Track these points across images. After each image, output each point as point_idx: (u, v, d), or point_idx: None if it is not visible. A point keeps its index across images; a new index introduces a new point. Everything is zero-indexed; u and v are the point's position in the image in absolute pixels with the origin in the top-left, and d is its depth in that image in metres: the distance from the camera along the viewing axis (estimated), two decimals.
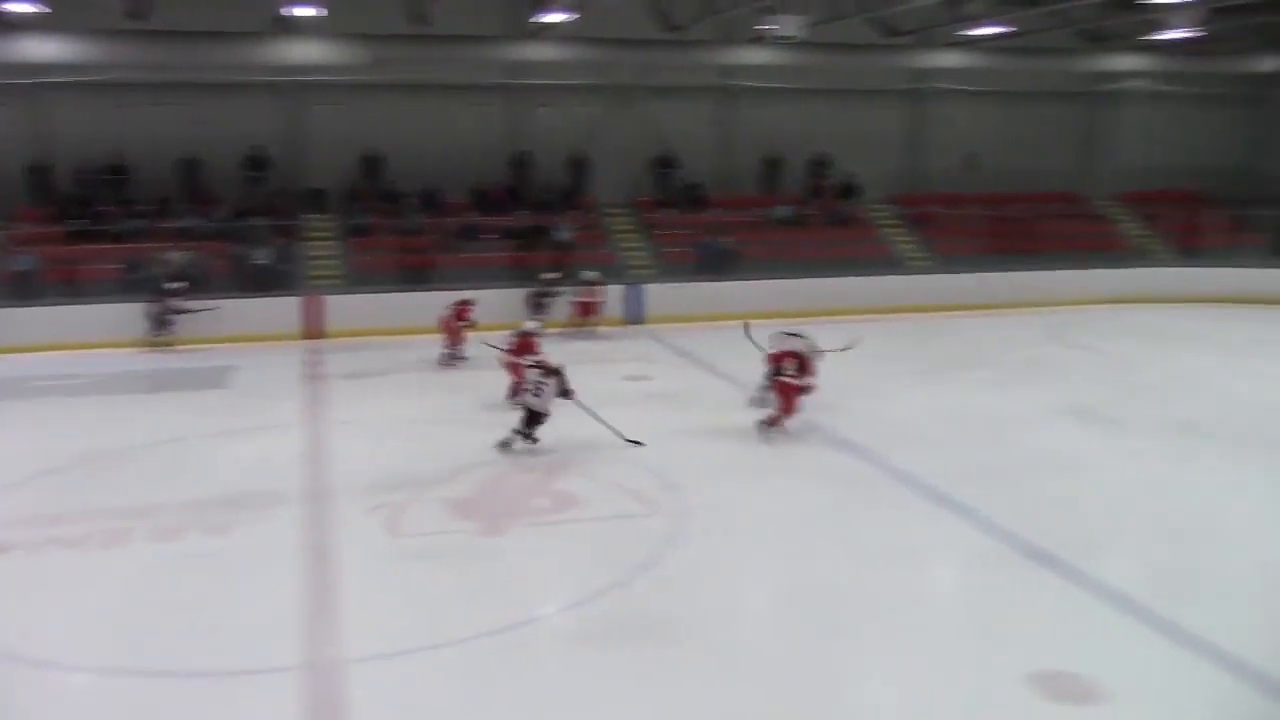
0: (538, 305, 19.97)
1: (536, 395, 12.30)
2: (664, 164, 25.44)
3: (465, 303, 17.84)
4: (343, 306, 20.13)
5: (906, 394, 15.54)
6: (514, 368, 14.16)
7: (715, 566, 9.17)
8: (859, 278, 22.86)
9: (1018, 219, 25.78)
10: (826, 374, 13.98)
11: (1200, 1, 20.14)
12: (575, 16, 20.58)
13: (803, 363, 13.06)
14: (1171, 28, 22.15)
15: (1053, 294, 23.69)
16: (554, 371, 12.44)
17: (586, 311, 20.73)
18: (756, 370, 14.03)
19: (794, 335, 13.79)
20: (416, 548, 9.52)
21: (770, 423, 12.98)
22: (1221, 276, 24.38)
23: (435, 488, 11.09)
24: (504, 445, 12.34)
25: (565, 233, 22.83)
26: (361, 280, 21.10)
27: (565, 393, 12.46)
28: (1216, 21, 22.30)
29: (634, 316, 21.27)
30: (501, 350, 14.52)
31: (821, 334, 14.25)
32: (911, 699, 7.05)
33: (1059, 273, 24.15)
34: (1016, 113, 27.77)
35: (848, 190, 26.06)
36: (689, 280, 22.37)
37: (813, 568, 9.17)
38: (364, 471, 11.66)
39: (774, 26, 20.32)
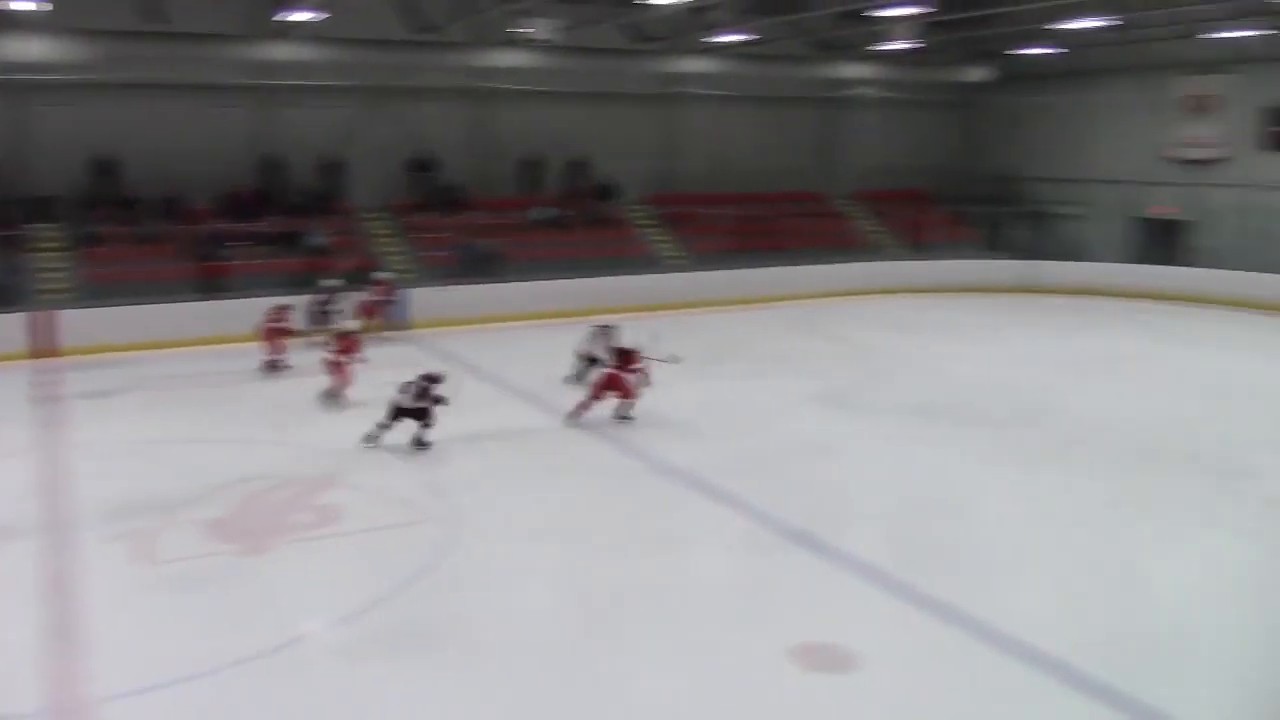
0: (321, 315, 19.03)
1: (402, 393, 12.54)
2: (421, 166, 25.09)
3: (284, 308, 17.35)
4: (78, 321, 18.66)
5: (668, 388, 16.01)
6: (338, 367, 14.70)
7: (488, 569, 9.24)
8: (619, 277, 23.37)
9: (764, 217, 27.12)
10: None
11: (916, 16, 21.84)
12: (323, 16, 19.98)
13: (627, 355, 14.10)
14: (893, 39, 23.98)
15: (799, 288, 25.09)
16: (433, 378, 12.68)
17: (373, 313, 20.13)
18: (525, 373, 14.21)
19: (608, 327, 15.10)
20: (170, 575, 9.03)
21: (620, 414, 13.92)
22: (945, 268, 26.60)
23: (188, 510, 10.54)
24: (369, 439, 12.63)
25: (320, 238, 22.11)
26: (98, 293, 19.61)
27: (437, 399, 12.60)
28: (931, 35, 24.28)
29: (397, 321, 20.89)
30: (329, 351, 14.94)
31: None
32: (679, 682, 7.38)
33: (803, 268, 25.59)
34: (761, 117, 29.18)
35: (606, 191, 26.59)
36: (451, 283, 22.19)
37: (584, 563, 9.40)
38: (107, 497, 10.92)
39: (528, 30, 20.49)
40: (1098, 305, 24.41)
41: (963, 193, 30.19)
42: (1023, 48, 27.17)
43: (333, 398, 14.85)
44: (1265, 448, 13.17)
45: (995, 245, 28.54)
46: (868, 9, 21.79)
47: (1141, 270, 26.05)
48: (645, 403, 14.56)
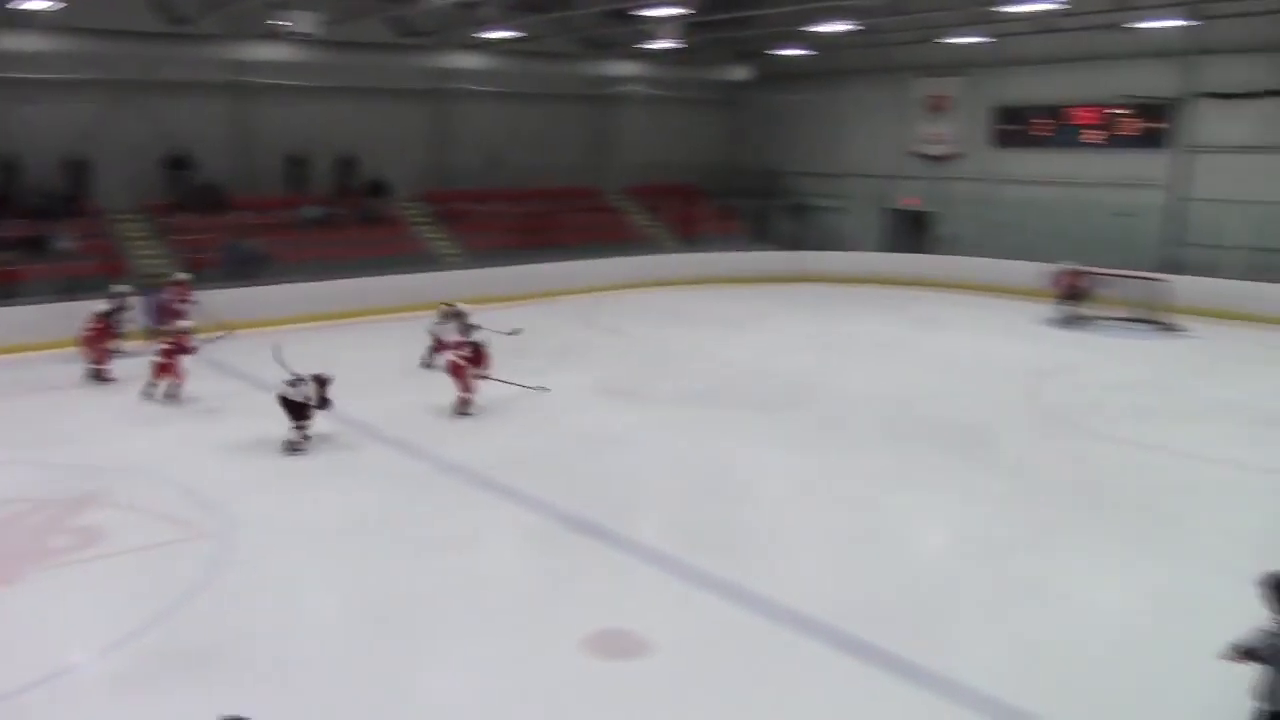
0: (116, 321, 17.57)
1: (293, 386, 12.36)
2: (176, 164, 23.69)
3: (106, 314, 16.39)
4: None
5: (450, 387, 15.91)
6: (168, 368, 14.66)
7: (266, 582, 8.92)
8: (395, 276, 22.93)
9: (540, 213, 27.28)
10: (356, 373, 14.19)
11: (678, 17, 22.51)
12: (61, 5, 18.51)
13: (474, 349, 14.42)
14: (658, 38, 24.61)
15: (577, 282, 25.38)
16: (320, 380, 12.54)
17: (172, 316, 18.88)
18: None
19: (456, 312, 15.59)
20: None
21: (460, 405, 14.09)
22: (716, 260, 27.61)
23: None
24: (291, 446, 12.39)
25: (66, 241, 20.55)
26: None
27: (324, 401, 12.51)
28: (693, 35, 25.10)
29: (155, 327, 19.69)
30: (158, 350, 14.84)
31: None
32: (474, 681, 7.41)
33: (581, 262, 25.91)
34: (534, 113, 29.28)
35: (377, 188, 26.00)
36: (216, 286, 21.13)
37: (366, 569, 9.23)
38: None
39: (287, 23, 19.74)
40: (858, 292, 25.97)
41: (730, 187, 31.39)
42: (779, 48, 28.51)
43: (171, 397, 14.71)
44: (1005, 419, 14.45)
45: (762, 237, 29.86)
46: (631, 9, 22.27)
47: (895, 258, 27.93)
48: (423, 401, 14.46)
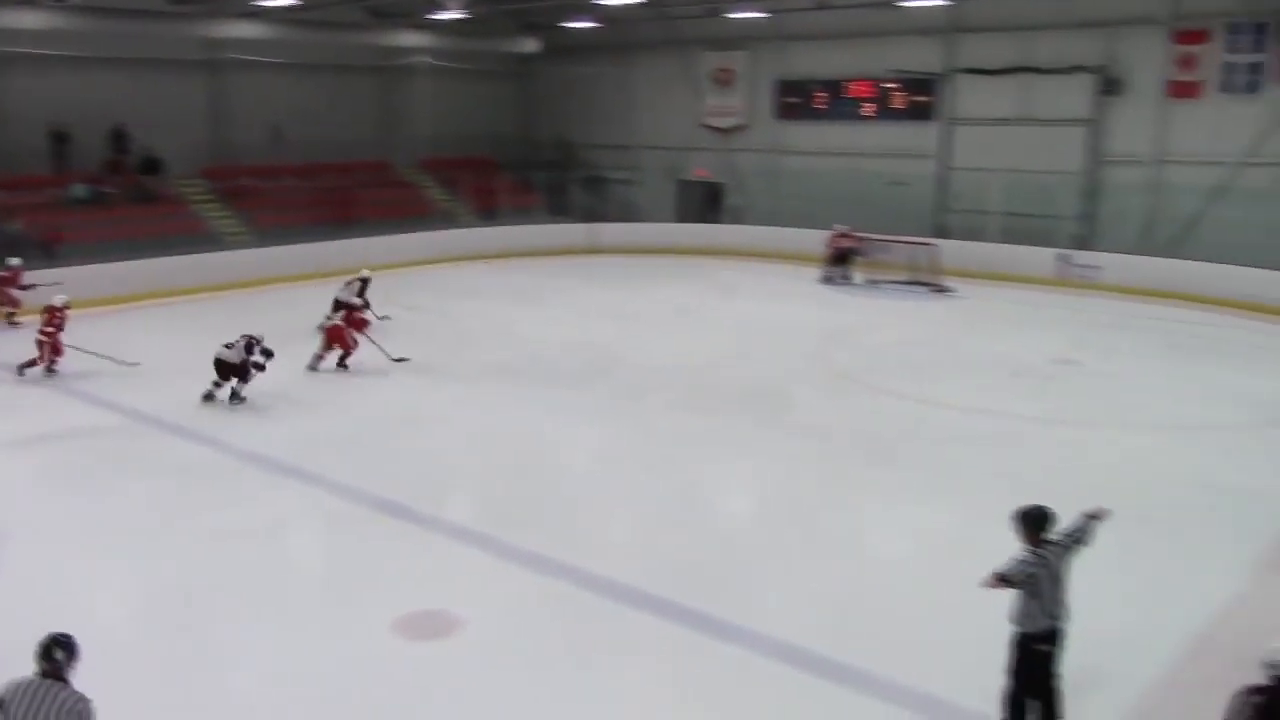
0: None
1: (228, 348, 13.43)
2: None
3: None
4: None
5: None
6: (53, 343, 14.81)
7: (46, 588, 8.33)
8: (175, 257, 21.72)
9: (331, 188, 26.44)
10: (140, 358, 13.53)
11: None
12: None
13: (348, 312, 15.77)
14: (445, 9, 24.22)
15: (373, 259, 24.63)
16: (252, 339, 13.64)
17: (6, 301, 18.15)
18: (83, 367, 12.99)
19: (365, 279, 17.22)
20: None
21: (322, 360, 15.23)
22: (514, 233, 27.53)
23: None
24: (207, 397, 13.49)
25: None
26: None
27: (266, 352, 13.58)
28: (480, 6, 24.85)
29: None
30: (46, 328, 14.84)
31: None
32: (282, 671, 7.25)
33: (376, 239, 25.21)
34: (318, 85, 28.24)
35: (150, 165, 24.50)
36: None
37: (160, 566, 8.81)
38: None
39: None
40: (655, 262, 26.48)
41: (525, 160, 31.32)
42: (567, 21, 28.55)
43: (50, 373, 14.73)
44: (798, 381, 15.20)
45: (559, 210, 29.98)
46: None
47: (689, 229, 28.66)
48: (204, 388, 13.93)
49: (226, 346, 13.47)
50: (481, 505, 10.48)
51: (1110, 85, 22.83)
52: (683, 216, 29.98)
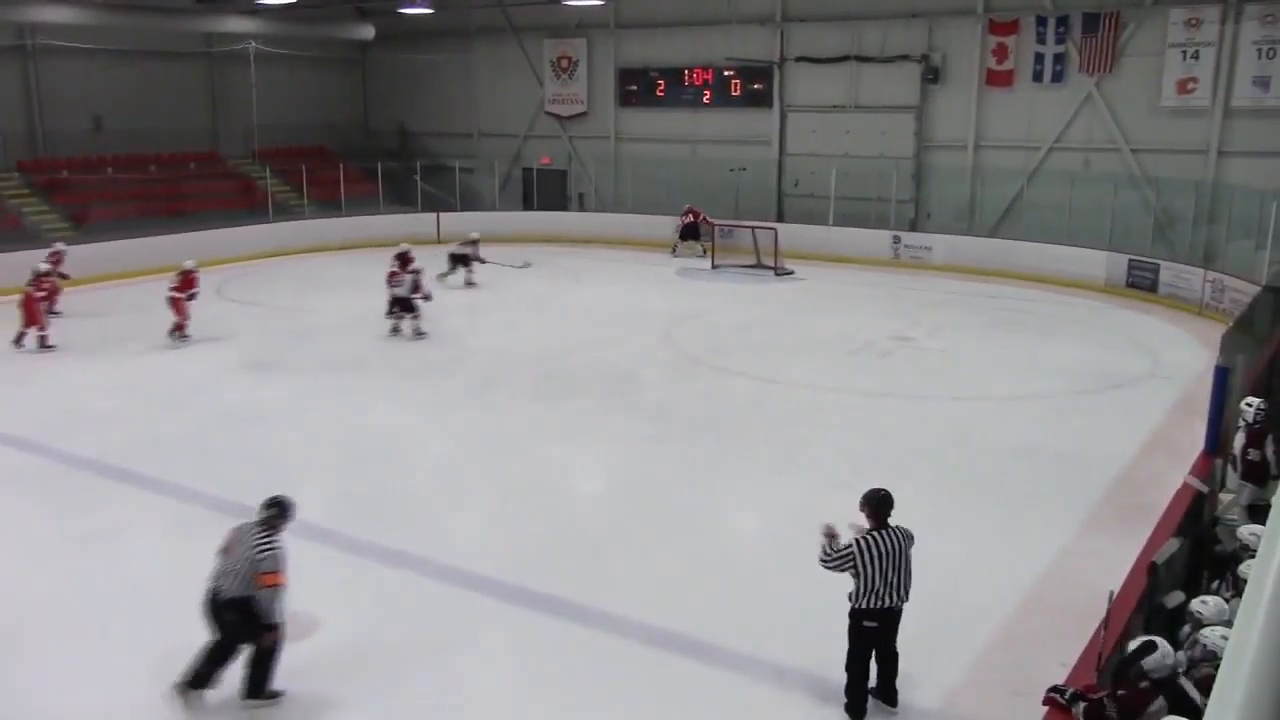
0: None
1: (395, 286, 16.70)
2: None
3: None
4: None
5: (72, 373, 14.61)
6: (177, 303, 16.38)
7: None
8: None
9: (158, 180, 25.26)
10: None
11: None
12: None
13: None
14: None
15: (206, 254, 23.68)
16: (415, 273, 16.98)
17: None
18: None
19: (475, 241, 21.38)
20: None
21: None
22: (353, 224, 26.79)
23: None
24: (393, 330, 16.62)
25: None
26: None
27: (417, 289, 16.63)
28: None
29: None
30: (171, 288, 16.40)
31: None
32: (129, 681, 6.99)
33: (210, 232, 24.23)
34: (142, 72, 26.92)
35: None
36: None
37: None
38: None
39: None
40: (501, 251, 26.28)
41: (363, 149, 30.64)
42: (401, 6, 27.99)
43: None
44: (648, 365, 15.47)
45: (400, 199, 29.44)
46: None
47: (534, 216, 28.63)
48: (43, 393, 13.23)
49: (395, 285, 16.65)
50: (333, 502, 10.28)
51: (932, 74, 23.96)
52: (527, 204, 29.92)
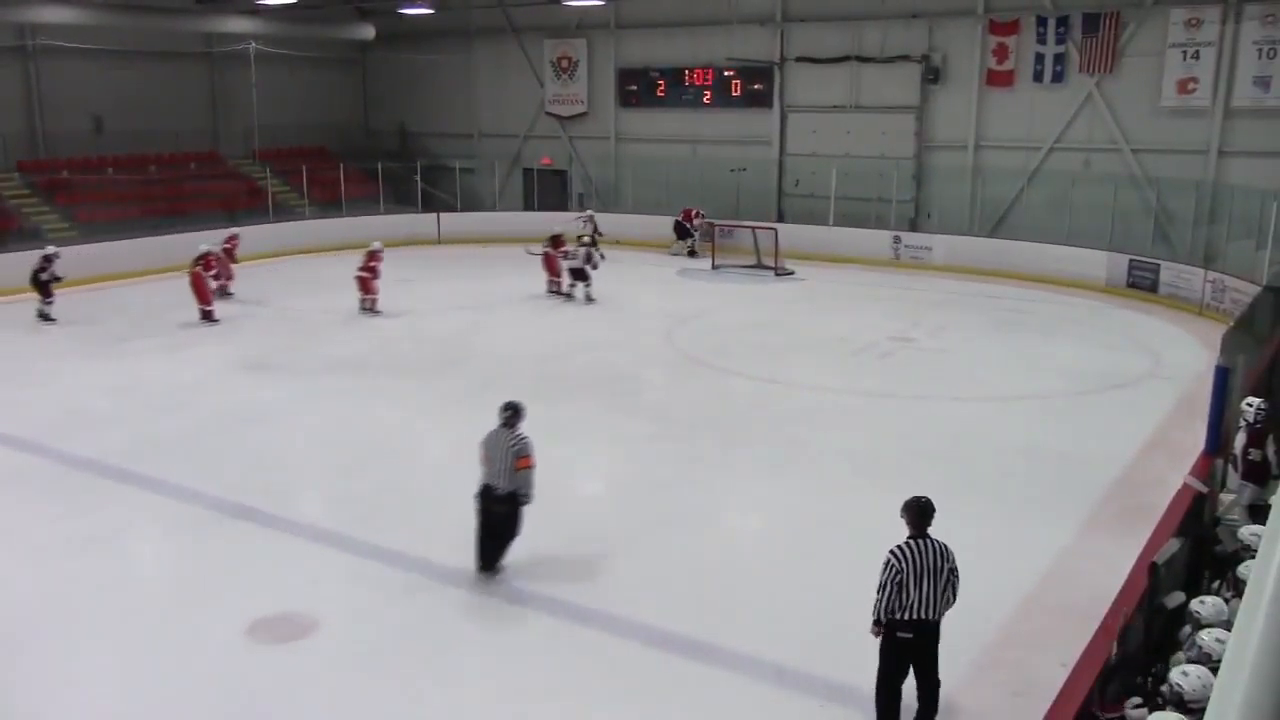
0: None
1: (570, 260, 19.56)
2: None
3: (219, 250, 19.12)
4: None
5: (73, 374, 14.62)
6: (365, 282, 18.70)
7: None
8: None
9: (159, 180, 25.26)
10: None
11: None
12: None
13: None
14: None
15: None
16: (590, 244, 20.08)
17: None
18: None
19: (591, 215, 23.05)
20: None
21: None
22: (354, 225, 26.64)
23: None
24: (568, 297, 19.73)
25: None
26: None
27: (591, 260, 19.50)
28: None
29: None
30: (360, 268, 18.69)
31: None
32: (131, 682, 7.01)
33: (210, 232, 24.19)
34: (142, 72, 26.92)
35: None
36: None
37: None
38: None
39: None
40: (501, 251, 26.29)
41: (364, 149, 30.64)
42: (402, 7, 28.01)
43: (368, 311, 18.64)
44: (649, 365, 15.47)
45: (401, 200, 29.44)
46: None
47: (535, 217, 28.55)
48: (43, 393, 13.25)
49: (566, 256, 19.52)
50: (329, 502, 10.30)
51: (932, 74, 23.95)
52: (528, 205, 29.91)
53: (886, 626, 6.22)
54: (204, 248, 18.65)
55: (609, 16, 27.84)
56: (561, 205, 29.29)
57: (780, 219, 25.48)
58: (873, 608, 6.24)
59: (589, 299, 19.56)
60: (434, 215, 27.99)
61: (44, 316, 17.60)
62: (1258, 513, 7.78)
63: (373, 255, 18.81)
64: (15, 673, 7.10)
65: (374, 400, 13.56)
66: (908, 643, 6.19)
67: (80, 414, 12.77)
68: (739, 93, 26.79)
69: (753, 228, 23.76)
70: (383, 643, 7.52)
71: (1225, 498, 8.63)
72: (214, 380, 14.41)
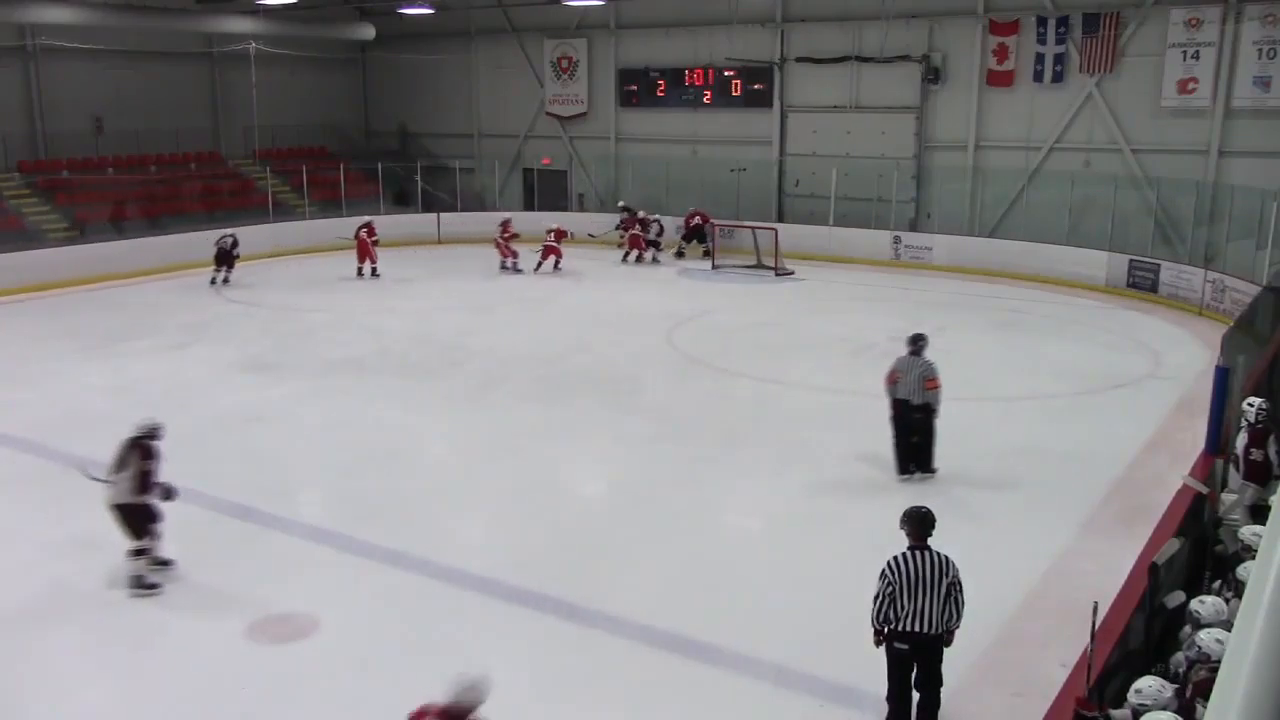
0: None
1: (646, 232, 23.52)
2: None
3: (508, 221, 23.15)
4: None
5: (72, 374, 14.61)
6: (501, 246, 22.80)
7: None
8: None
9: (159, 181, 25.26)
10: None
11: None
12: None
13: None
14: None
15: (208, 254, 23.72)
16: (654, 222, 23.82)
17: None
18: None
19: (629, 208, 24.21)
20: None
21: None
22: (355, 225, 26.51)
23: None
24: (654, 260, 23.72)
25: None
26: None
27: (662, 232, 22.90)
28: None
29: None
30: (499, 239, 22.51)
31: None
32: (131, 683, 7.02)
33: (211, 232, 24.20)
34: (142, 72, 26.91)
35: None
36: None
37: None
38: None
39: None
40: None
41: (365, 149, 30.63)
42: (402, 6, 28.00)
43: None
44: (649, 366, 15.45)
45: (402, 200, 29.45)
46: None
47: (535, 217, 28.53)
48: (47, 394, 13.24)
49: (646, 231, 23.69)
50: (334, 502, 10.30)
51: (932, 74, 23.94)
52: (527, 204, 29.89)
53: (886, 637, 6.17)
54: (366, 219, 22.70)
55: (609, 16, 27.84)
56: (561, 205, 29.29)
57: (780, 219, 25.50)
58: (870, 618, 6.22)
59: (655, 260, 24.11)
60: (434, 215, 27.99)
61: (226, 281, 21.08)
62: (1259, 513, 7.78)
63: (505, 224, 23.09)
64: (15, 673, 7.08)
65: (374, 400, 13.56)
66: (906, 654, 6.13)
67: (80, 414, 12.76)
68: (739, 93, 26.78)
69: (753, 227, 23.76)
70: (382, 643, 7.51)
71: (1226, 498, 8.63)
72: (214, 380, 14.40)
